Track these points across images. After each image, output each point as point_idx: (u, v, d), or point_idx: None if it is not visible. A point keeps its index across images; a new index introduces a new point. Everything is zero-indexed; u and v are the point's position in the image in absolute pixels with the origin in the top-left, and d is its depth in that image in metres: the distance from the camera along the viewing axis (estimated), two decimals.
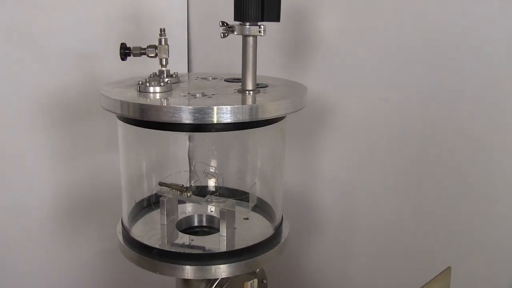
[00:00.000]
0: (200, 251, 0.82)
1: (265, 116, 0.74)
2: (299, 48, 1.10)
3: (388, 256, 1.07)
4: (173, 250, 0.81)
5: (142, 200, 0.94)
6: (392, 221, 1.05)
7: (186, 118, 0.69)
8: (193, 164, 0.89)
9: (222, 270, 0.78)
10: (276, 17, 0.75)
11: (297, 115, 1.10)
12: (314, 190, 1.18)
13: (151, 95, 0.76)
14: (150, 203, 0.94)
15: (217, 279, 0.81)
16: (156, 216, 0.91)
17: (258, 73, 0.80)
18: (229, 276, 0.79)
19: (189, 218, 0.93)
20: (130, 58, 0.85)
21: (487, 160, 0.88)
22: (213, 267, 0.77)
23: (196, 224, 0.93)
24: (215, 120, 0.70)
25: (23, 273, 1.16)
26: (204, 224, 0.94)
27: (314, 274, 1.23)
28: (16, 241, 1.14)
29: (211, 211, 0.94)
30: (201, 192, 0.94)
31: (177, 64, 1.10)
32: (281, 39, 1.12)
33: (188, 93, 0.78)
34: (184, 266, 0.77)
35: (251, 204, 0.85)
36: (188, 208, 0.96)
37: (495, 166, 0.87)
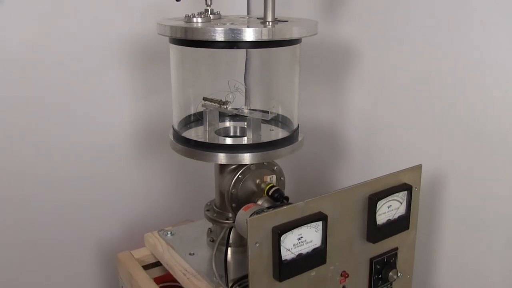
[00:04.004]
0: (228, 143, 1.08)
1: (280, 37, 0.96)
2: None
3: None
4: (207, 141, 1.07)
5: (190, 116, 1.19)
6: (407, 152, 1.23)
7: (218, 37, 0.94)
8: (228, 82, 1.12)
9: (244, 158, 1.01)
10: None
11: (330, 57, 1.33)
12: (341, 124, 1.39)
13: (194, 24, 1.01)
14: (197, 118, 1.19)
15: (242, 168, 1.04)
16: (200, 129, 1.17)
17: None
18: (250, 163, 1.03)
19: (226, 128, 1.17)
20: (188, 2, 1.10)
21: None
22: (239, 154, 1.01)
23: (231, 134, 1.17)
24: (240, 39, 0.93)
25: (109, 191, 1.48)
26: (238, 134, 1.17)
27: None
28: (100, 161, 1.45)
29: (245, 125, 1.18)
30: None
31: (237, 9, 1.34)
32: None
33: (223, 23, 1.02)
34: (215, 153, 1.02)
35: (271, 115, 1.09)
36: (227, 123, 1.21)
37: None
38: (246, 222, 0.84)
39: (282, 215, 0.80)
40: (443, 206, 1.14)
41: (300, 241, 0.82)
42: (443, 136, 1.13)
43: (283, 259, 0.80)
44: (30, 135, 1.32)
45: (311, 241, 0.83)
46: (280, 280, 0.81)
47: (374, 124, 1.31)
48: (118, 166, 1.49)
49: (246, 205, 0.95)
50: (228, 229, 1.03)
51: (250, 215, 0.89)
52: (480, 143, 1.06)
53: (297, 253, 0.82)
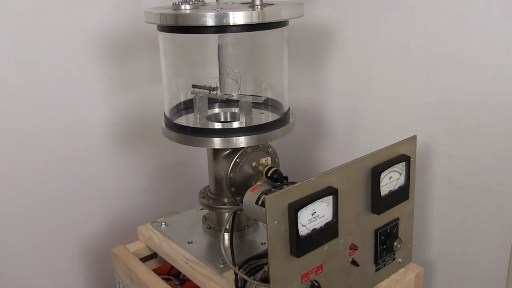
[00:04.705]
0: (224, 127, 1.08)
1: (269, 19, 0.97)
2: None
3: None
4: (203, 127, 1.07)
5: (180, 103, 1.18)
6: (389, 128, 1.27)
7: (209, 22, 0.94)
8: (219, 68, 1.13)
9: (240, 141, 1.02)
10: None
11: (309, 40, 1.35)
12: (323, 105, 1.41)
13: (182, 10, 1.01)
14: (187, 106, 1.18)
15: (238, 152, 1.05)
16: (190, 117, 1.16)
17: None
18: (247, 146, 1.04)
19: (217, 114, 1.18)
20: None
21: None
22: (234, 138, 1.02)
23: (222, 119, 1.18)
24: (231, 23, 0.94)
25: (84, 181, 1.44)
26: (229, 119, 1.18)
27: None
28: (78, 154, 1.41)
29: (235, 110, 1.18)
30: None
31: None
32: None
33: (212, 9, 1.02)
34: (212, 138, 1.02)
35: (263, 97, 1.09)
36: (215, 109, 1.21)
37: None
38: (259, 203, 0.85)
39: (296, 191, 0.81)
40: (432, 177, 1.18)
41: (314, 216, 0.83)
42: (425, 111, 1.17)
43: (300, 235, 0.82)
44: (9, 131, 1.28)
45: (324, 216, 0.85)
46: (298, 256, 0.83)
47: (356, 103, 1.34)
48: (94, 163, 1.45)
49: (252, 187, 0.95)
50: (233, 214, 1.04)
51: (259, 195, 0.90)
52: (464, 115, 1.10)
53: (311, 228, 0.84)
